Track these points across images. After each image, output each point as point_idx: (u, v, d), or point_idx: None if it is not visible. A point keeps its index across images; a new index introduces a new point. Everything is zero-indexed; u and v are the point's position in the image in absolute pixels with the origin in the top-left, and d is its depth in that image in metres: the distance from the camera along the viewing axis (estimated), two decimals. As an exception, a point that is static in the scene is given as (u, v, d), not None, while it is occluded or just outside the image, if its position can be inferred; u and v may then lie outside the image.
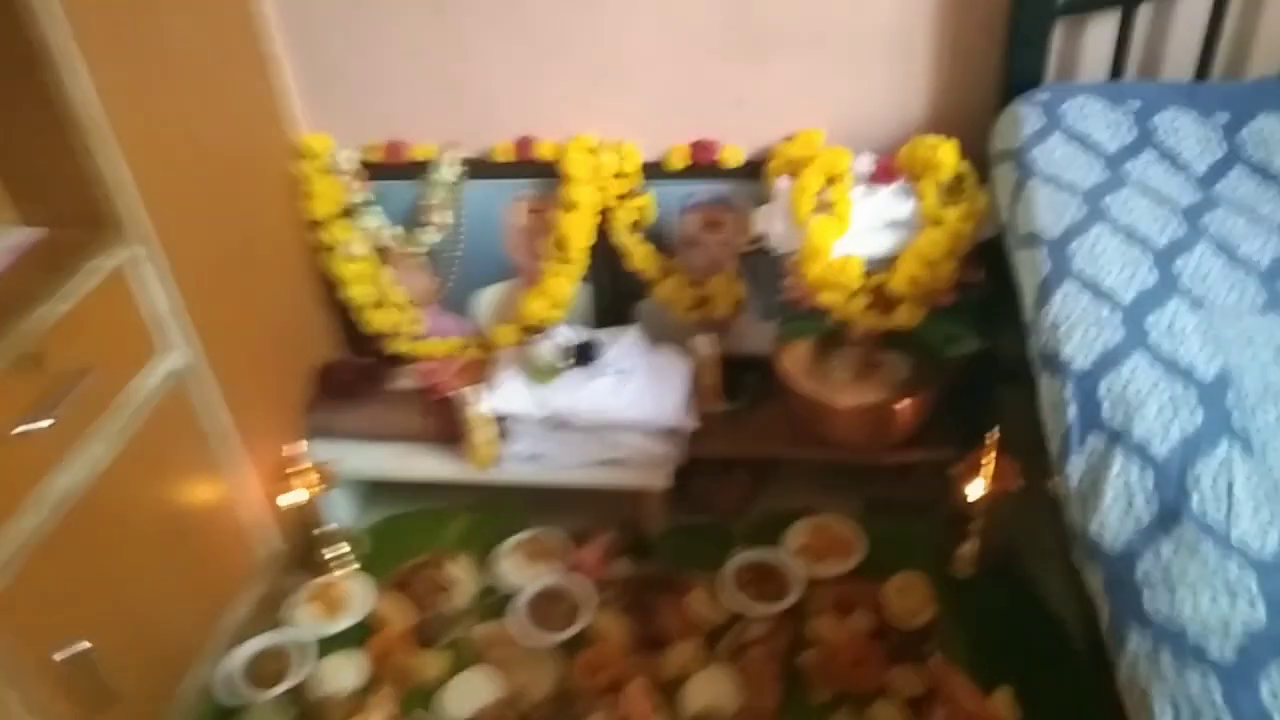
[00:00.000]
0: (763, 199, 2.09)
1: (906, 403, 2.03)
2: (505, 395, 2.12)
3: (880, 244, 1.85)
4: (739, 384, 2.28)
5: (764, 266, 2.10)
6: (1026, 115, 1.80)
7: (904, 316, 1.87)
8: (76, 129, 1.56)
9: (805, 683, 1.89)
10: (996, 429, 1.93)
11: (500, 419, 2.15)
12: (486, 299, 2.40)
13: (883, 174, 1.88)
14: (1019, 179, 1.69)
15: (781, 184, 1.94)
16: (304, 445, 2.14)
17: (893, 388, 2.06)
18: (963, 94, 2.02)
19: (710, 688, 1.89)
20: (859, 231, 1.84)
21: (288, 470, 2.17)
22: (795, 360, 2.14)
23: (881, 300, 1.87)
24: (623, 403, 2.09)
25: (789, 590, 2.03)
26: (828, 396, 2.07)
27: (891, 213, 1.86)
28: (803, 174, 1.89)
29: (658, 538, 2.24)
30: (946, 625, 1.97)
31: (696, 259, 2.27)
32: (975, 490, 1.97)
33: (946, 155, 1.82)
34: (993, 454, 1.94)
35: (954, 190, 1.85)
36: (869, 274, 1.85)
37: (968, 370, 2.05)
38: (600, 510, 2.27)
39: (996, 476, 1.96)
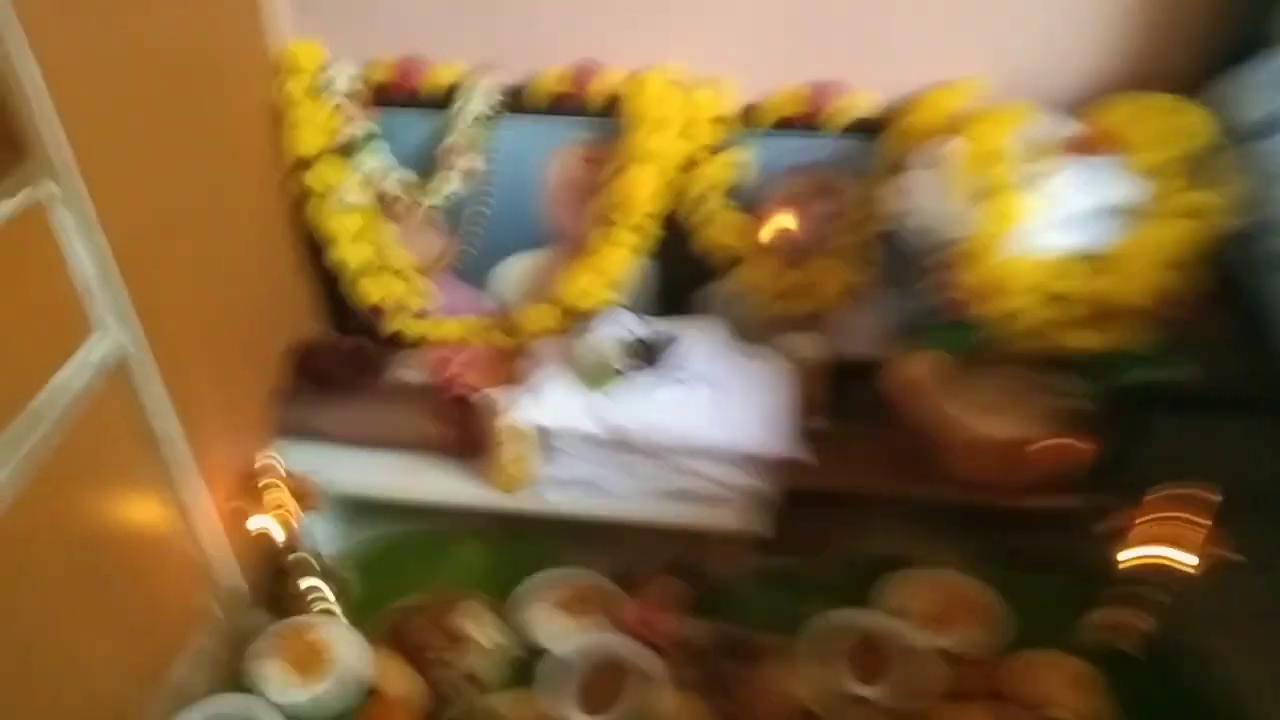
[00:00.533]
0: (897, 163, 1.60)
1: (1065, 439, 1.58)
2: (547, 402, 1.62)
3: (1085, 237, 1.38)
4: (841, 397, 1.81)
5: (895, 254, 1.61)
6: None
7: (1109, 335, 1.41)
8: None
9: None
10: (1217, 488, 1.49)
11: (537, 431, 1.65)
12: (515, 270, 1.88)
13: (1089, 142, 1.40)
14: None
15: (938, 147, 1.45)
16: (274, 454, 1.62)
17: (1048, 418, 1.60)
18: (1171, 45, 1.54)
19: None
20: (1053, 219, 1.37)
21: (252, 485, 1.65)
22: (922, 373, 1.67)
23: (1080, 312, 1.40)
24: (701, 419, 1.60)
25: (902, 665, 1.58)
26: (966, 423, 1.61)
27: (1102, 195, 1.38)
28: (971, 134, 1.40)
29: (730, 587, 1.77)
30: (1117, 713, 1.55)
31: (796, 235, 1.78)
32: (1164, 554, 1.53)
33: (1195, 122, 1.35)
34: (1200, 511, 1.51)
35: (1192, 171, 1.37)
36: (1065, 276, 1.38)
37: (1140, 401, 1.61)
38: (649, 547, 1.79)
39: (1204, 540, 1.52)
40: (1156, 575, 1.58)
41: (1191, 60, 1.53)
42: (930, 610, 1.67)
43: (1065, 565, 1.76)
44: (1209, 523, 1.51)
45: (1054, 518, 1.75)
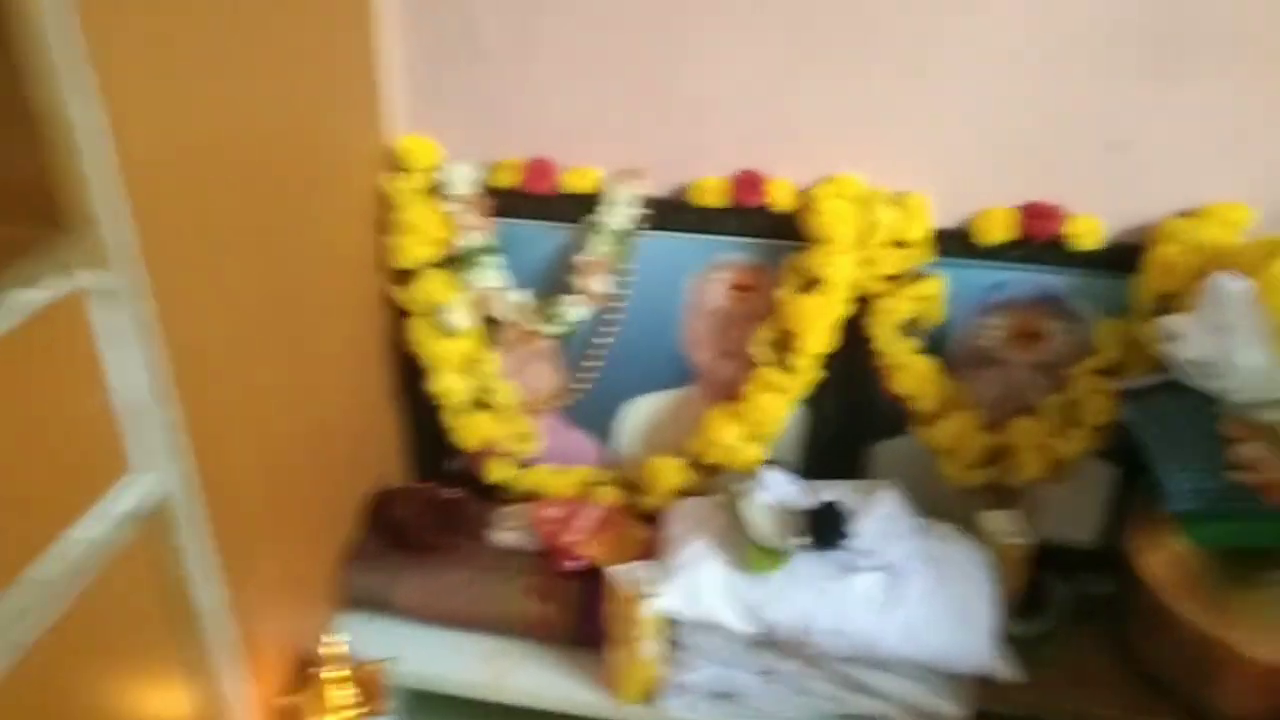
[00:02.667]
0: (1146, 303, 1.29)
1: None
2: (691, 587, 1.27)
3: None
4: (1042, 593, 1.44)
5: (1152, 416, 1.26)
6: None
7: None
8: (34, 76, 0.77)
9: None
10: None
11: (673, 626, 1.29)
12: (641, 414, 1.56)
13: None
14: None
15: (1231, 283, 1.13)
16: (339, 638, 1.28)
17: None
18: None
19: None
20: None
21: (309, 675, 1.30)
22: (1168, 568, 1.30)
23: None
24: (897, 624, 1.23)
25: None
26: (1239, 643, 1.22)
27: None
28: (1267, 270, 1.08)
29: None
30: None
31: (992, 387, 1.45)
32: None
33: None
34: None
35: None
36: None
37: None
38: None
39: None
40: None
41: None
42: None
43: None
44: None
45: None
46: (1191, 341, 1.16)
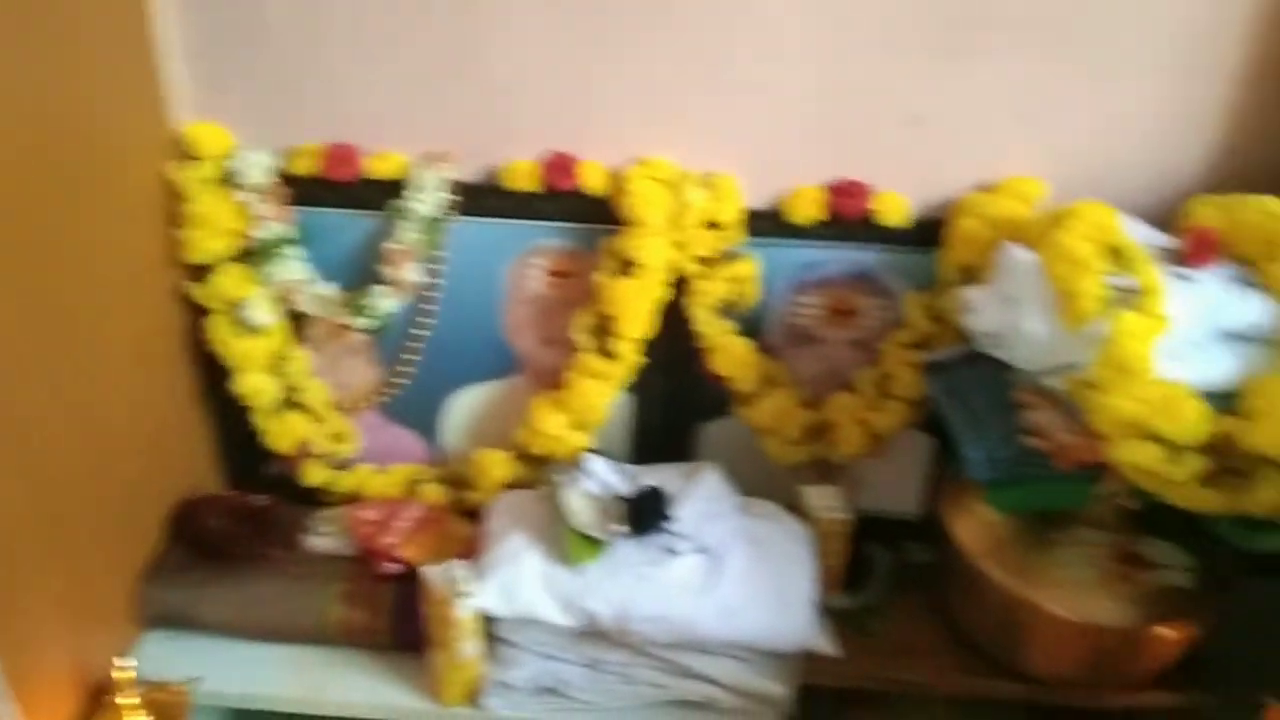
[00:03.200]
0: (950, 277, 1.31)
1: (1178, 626, 1.24)
2: (505, 585, 1.23)
3: (1206, 369, 1.07)
4: (866, 565, 1.46)
5: (953, 388, 1.28)
6: None
7: (1233, 494, 1.08)
8: None
9: None
10: None
11: (493, 623, 1.25)
12: (463, 407, 1.51)
13: (1200, 249, 1.12)
14: None
15: (1019, 254, 1.16)
16: (129, 663, 1.19)
17: (1148, 598, 1.26)
18: (1268, 141, 1.30)
19: None
20: (1178, 345, 1.06)
21: (102, 703, 1.21)
22: (978, 535, 1.33)
23: (1198, 465, 1.07)
24: (716, 606, 1.23)
25: None
26: (1044, 603, 1.26)
27: (1224, 316, 1.09)
28: (1065, 239, 1.10)
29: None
30: None
31: (810, 365, 1.46)
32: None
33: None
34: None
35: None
36: (1183, 418, 1.06)
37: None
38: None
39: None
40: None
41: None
42: None
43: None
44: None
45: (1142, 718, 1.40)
46: (985, 312, 1.18)
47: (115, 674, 1.17)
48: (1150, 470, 1.05)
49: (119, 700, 1.18)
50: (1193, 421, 1.03)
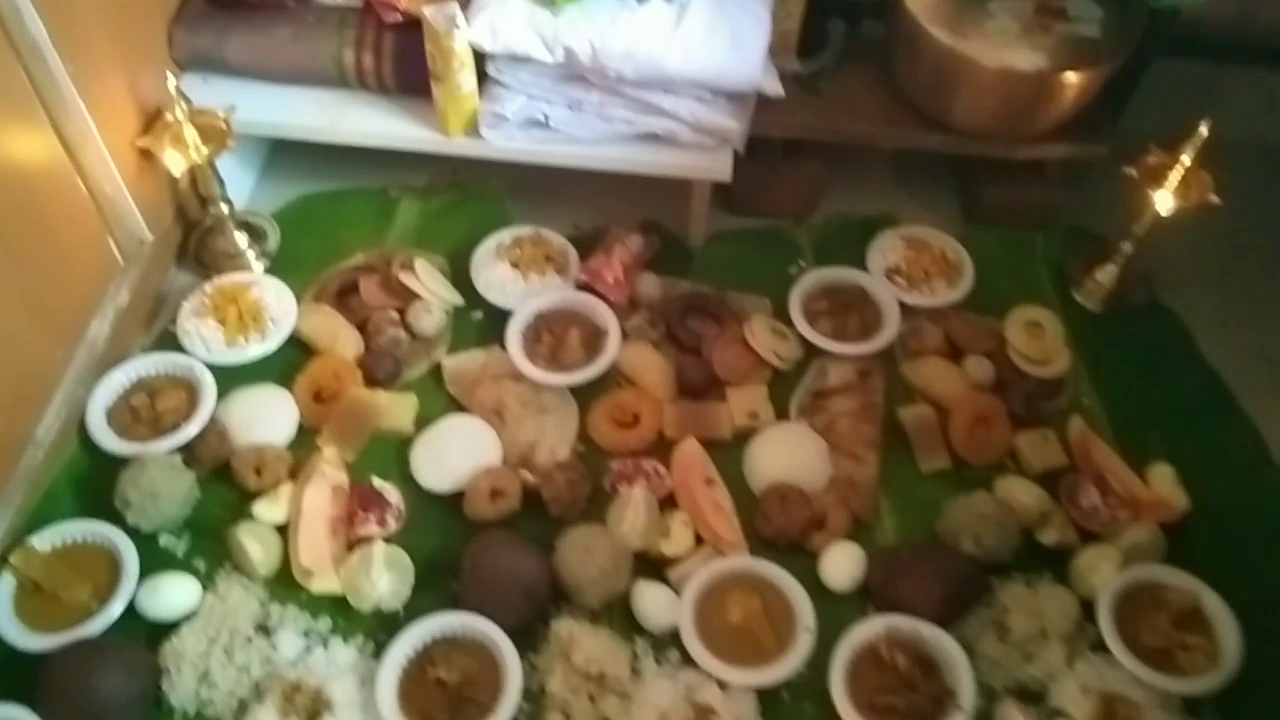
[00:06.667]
0: None
1: (1089, 74, 1.42)
2: (492, 22, 1.39)
3: None
4: (820, 35, 1.61)
5: None
6: None
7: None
8: None
9: (909, 446, 1.41)
10: (1204, 123, 1.37)
11: (487, 63, 1.43)
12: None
13: None
14: None
15: None
16: (176, 84, 1.38)
17: (1068, 49, 1.43)
18: None
19: (785, 449, 1.39)
20: None
21: (153, 122, 1.43)
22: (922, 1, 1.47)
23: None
24: (681, 45, 1.40)
25: (879, 323, 1.50)
26: (972, 52, 1.43)
27: None
28: None
29: (697, 246, 1.64)
30: (1082, 375, 1.50)
31: None
32: (1163, 203, 1.43)
33: None
34: (1194, 154, 1.39)
35: None
36: None
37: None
38: (612, 204, 1.64)
39: (1191, 184, 1.42)
40: (1136, 226, 1.50)
41: None
42: (908, 266, 1.57)
43: (1045, 220, 1.67)
44: (1196, 166, 1.41)
45: (1039, 169, 1.63)
46: None
47: (169, 88, 1.36)
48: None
49: (171, 117, 1.40)
50: None
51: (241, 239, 1.56)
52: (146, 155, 1.43)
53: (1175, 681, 1.17)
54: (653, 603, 1.24)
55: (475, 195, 1.67)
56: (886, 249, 1.59)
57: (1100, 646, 1.21)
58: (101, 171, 1.36)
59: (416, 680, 1.17)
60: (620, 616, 1.24)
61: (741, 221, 1.66)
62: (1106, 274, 1.57)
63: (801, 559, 1.29)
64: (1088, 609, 1.23)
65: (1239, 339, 1.56)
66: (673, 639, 1.21)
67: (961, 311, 1.53)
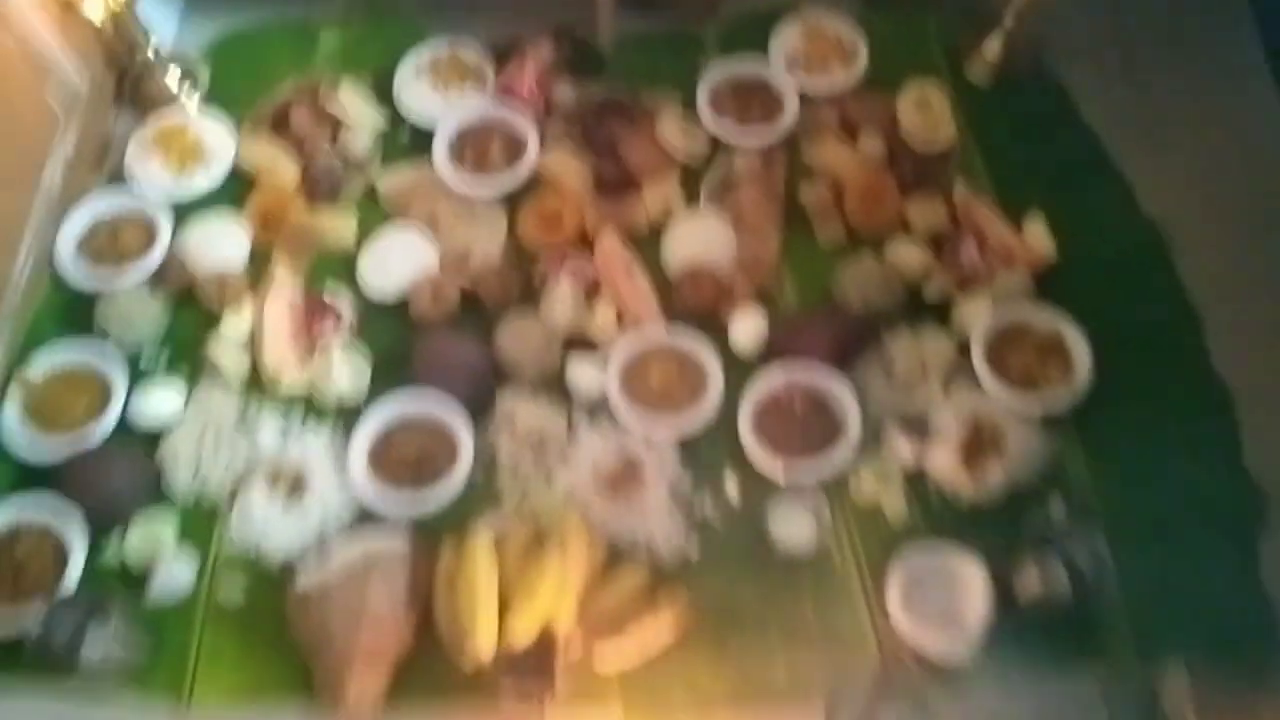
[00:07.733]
0: None
1: None
2: None
3: None
4: None
5: None
6: None
7: None
8: None
9: (809, 222, 1.55)
10: None
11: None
12: None
13: None
14: None
15: None
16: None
17: None
18: None
19: (696, 234, 1.53)
20: None
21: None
22: None
23: None
24: None
25: (780, 110, 1.61)
26: None
27: None
28: None
29: (607, 49, 1.72)
30: (969, 144, 1.63)
31: None
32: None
33: None
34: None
35: None
36: None
37: None
38: (523, 14, 1.71)
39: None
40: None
41: None
42: (807, 54, 1.66)
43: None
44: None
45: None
46: None
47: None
48: None
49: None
50: None
51: (172, 81, 1.63)
52: (68, 7, 1.48)
53: (1034, 403, 1.37)
54: (583, 376, 1.41)
55: (391, 16, 1.73)
56: (786, 39, 1.67)
57: (974, 380, 1.39)
58: (27, 28, 1.43)
59: (381, 457, 1.36)
60: (556, 389, 1.41)
61: (648, 24, 1.73)
62: (991, 49, 1.66)
63: (714, 331, 1.45)
64: (966, 351, 1.41)
65: (1118, 101, 1.66)
66: (602, 407, 1.39)
67: (855, 92, 1.63)
